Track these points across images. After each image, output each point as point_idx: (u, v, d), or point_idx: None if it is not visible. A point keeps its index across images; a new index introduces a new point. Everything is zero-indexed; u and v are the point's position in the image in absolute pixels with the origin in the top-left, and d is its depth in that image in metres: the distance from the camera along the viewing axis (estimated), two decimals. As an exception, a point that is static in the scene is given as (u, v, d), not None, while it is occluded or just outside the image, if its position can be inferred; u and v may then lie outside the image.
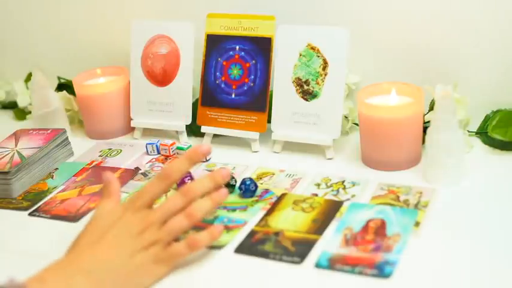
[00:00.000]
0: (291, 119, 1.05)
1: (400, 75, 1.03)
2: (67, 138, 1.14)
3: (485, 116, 1.02)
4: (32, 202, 1.00)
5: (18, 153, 1.06)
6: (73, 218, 0.94)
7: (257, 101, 1.08)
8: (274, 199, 0.92)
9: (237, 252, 0.82)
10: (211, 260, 0.81)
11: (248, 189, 0.93)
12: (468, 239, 0.79)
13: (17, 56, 1.44)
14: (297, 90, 1.04)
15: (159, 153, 1.10)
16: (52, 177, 1.07)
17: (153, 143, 1.10)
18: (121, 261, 0.73)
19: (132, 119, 1.18)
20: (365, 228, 0.82)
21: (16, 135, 1.13)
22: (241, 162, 1.04)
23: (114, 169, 1.06)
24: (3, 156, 1.06)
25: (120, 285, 0.73)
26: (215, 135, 1.12)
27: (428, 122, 0.94)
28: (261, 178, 0.98)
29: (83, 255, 0.73)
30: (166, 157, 1.09)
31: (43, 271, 0.70)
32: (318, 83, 1.03)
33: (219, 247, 0.82)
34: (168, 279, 0.77)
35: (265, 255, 0.80)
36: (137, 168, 1.06)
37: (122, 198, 0.84)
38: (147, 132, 1.18)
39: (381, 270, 0.74)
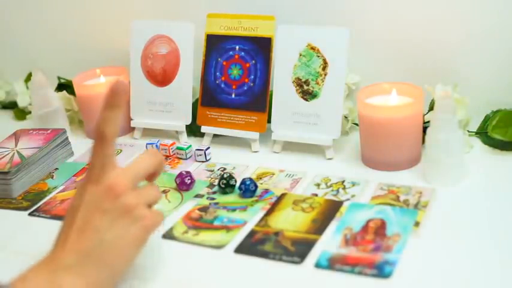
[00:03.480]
0: (290, 119, 1.05)
1: (400, 75, 1.03)
2: (67, 138, 1.14)
3: (485, 116, 1.01)
4: (32, 202, 1.00)
5: (18, 153, 1.06)
6: (73, 218, 0.94)
7: (257, 101, 1.08)
8: (274, 199, 0.92)
9: (237, 252, 0.81)
10: (211, 260, 0.81)
11: (248, 189, 0.93)
12: (468, 239, 0.79)
13: (17, 56, 1.44)
14: (297, 90, 1.04)
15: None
16: (52, 177, 1.07)
17: (153, 143, 1.10)
18: (97, 242, 0.70)
19: (132, 119, 1.18)
20: (365, 228, 0.82)
21: (16, 135, 1.13)
22: (241, 162, 1.04)
23: (114, 169, 1.07)
24: (3, 156, 1.06)
25: (105, 266, 0.70)
26: (215, 135, 1.12)
27: (428, 122, 0.94)
28: (261, 178, 0.98)
29: (59, 249, 0.71)
30: (166, 157, 1.09)
31: (26, 271, 0.69)
32: (317, 83, 1.03)
33: (219, 247, 0.83)
34: (168, 280, 0.77)
35: (265, 255, 0.80)
36: (137, 168, 1.06)
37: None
38: (147, 132, 1.18)
39: (381, 270, 0.74)
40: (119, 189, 0.71)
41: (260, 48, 1.08)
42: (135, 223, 0.72)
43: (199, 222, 0.89)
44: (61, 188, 1.04)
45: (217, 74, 1.11)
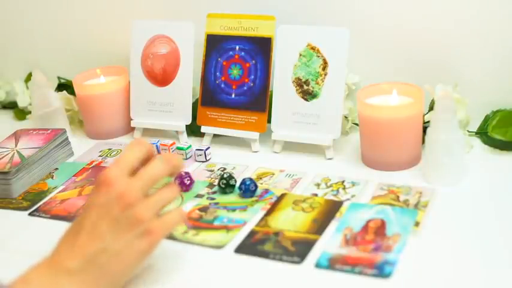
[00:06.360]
0: (291, 119, 1.05)
1: (400, 75, 1.03)
2: (67, 138, 1.14)
3: (485, 116, 1.02)
4: (32, 202, 1.00)
5: (18, 153, 1.06)
6: (73, 218, 0.94)
7: (257, 101, 1.08)
8: (274, 199, 0.92)
9: (237, 252, 0.82)
10: (211, 260, 0.81)
11: (248, 189, 0.93)
12: (468, 238, 0.79)
13: (17, 56, 1.44)
14: (297, 90, 1.04)
15: (159, 153, 1.10)
16: (52, 177, 1.07)
17: (153, 143, 1.10)
18: (102, 249, 0.71)
19: (132, 119, 1.18)
20: (365, 228, 0.82)
21: (16, 135, 1.13)
22: (241, 162, 1.04)
23: (114, 169, 1.07)
24: (3, 156, 1.06)
25: (106, 275, 0.71)
26: (215, 135, 1.12)
27: (428, 122, 0.94)
28: (261, 178, 0.98)
29: (65, 251, 0.71)
30: (166, 157, 1.09)
31: (28, 272, 0.69)
32: (318, 83, 1.03)
33: (219, 247, 0.83)
34: (168, 279, 0.77)
35: (265, 255, 0.80)
36: (137, 168, 1.06)
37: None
38: (147, 132, 1.18)
39: (381, 270, 0.74)
40: (129, 199, 0.72)
41: (260, 48, 1.08)
42: (141, 237, 0.72)
43: (199, 222, 0.89)
44: (61, 188, 1.04)
45: (217, 74, 1.11)
